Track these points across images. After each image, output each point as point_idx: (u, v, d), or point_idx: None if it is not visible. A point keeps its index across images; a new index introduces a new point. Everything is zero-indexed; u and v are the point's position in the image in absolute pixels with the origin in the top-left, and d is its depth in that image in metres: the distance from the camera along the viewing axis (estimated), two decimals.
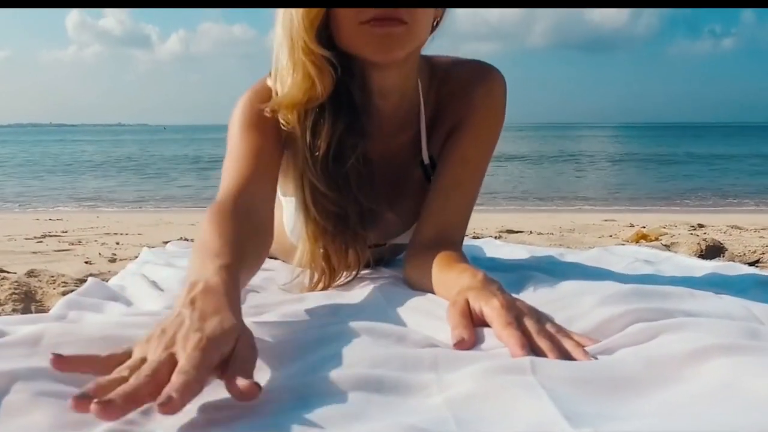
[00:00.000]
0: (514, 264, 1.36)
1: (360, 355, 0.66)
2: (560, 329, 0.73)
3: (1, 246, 2.69)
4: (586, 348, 0.69)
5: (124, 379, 0.52)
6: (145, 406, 0.52)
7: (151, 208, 6.93)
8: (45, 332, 0.68)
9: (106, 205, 7.50)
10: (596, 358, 0.66)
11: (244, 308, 0.76)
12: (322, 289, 1.07)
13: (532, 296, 0.93)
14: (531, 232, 3.10)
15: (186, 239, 2.55)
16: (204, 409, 0.54)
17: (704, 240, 1.92)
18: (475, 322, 0.76)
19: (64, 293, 1.30)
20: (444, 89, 1.10)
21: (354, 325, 0.76)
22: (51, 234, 3.32)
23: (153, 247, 2.04)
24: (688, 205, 7.07)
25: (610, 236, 2.93)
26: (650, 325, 0.72)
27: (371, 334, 0.73)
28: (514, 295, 0.85)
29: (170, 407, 0.48)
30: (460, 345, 0.71)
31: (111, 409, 0.48)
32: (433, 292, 0.97)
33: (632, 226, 3.53)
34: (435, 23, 1.01)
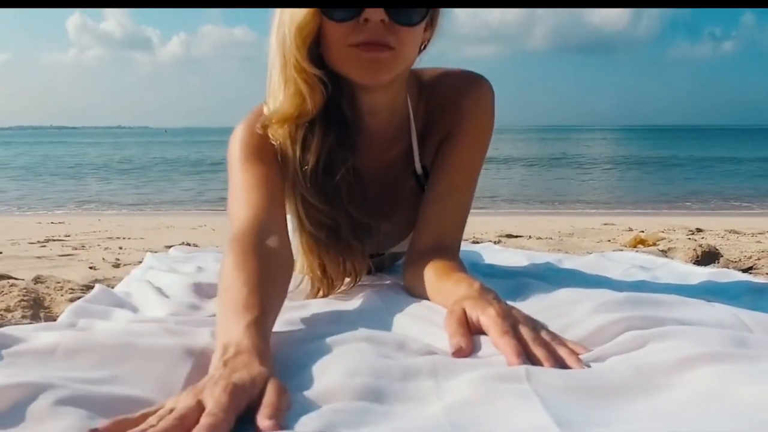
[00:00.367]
0: (512, 271, 1.39)
1: (361, 364, 0.68)
2: (555, 337, 0.75)
3: (6, 250, 2.71)
4: (579, 356, 0.71)
5: (153, 427, 0.54)
6: None
7: (152, 212, 6.96)
8: (60, 342, 0.71)
9: (107, 208, 7.53)
10: (589, 366, 0.69)
11: None
12: (323, 297, 1.09)
13: (528, 304, 0.95)
14: (530, 237, 3.12)
15: (188, 244, 2.58)
16: None
17: (700, 246, 1.94)
18: (471, 331, 0.78)
19: (71, 300, 1.33)
20: (433, 101, 1.12)
21: (355, 333, 0.79)
22: (54, 238, 3.35)
23: (156, 252, 2.07)
24: (688, 208, 7.09)
25: (609, 241, 2.96)
26: (641, 334, 0.74)
27: (372, 343, 0.76)
28: (511, 303, 0.87)
29: None
30: (459, 353, 0.73)
31: None
32: (430, 300, 0.99)
33: (631, 230, 3.56)
34: (423, 46, 1.03)
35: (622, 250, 2.24)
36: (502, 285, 1.15)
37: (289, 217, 1.07)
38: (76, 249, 2.82)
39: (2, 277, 1.59)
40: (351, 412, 0.57)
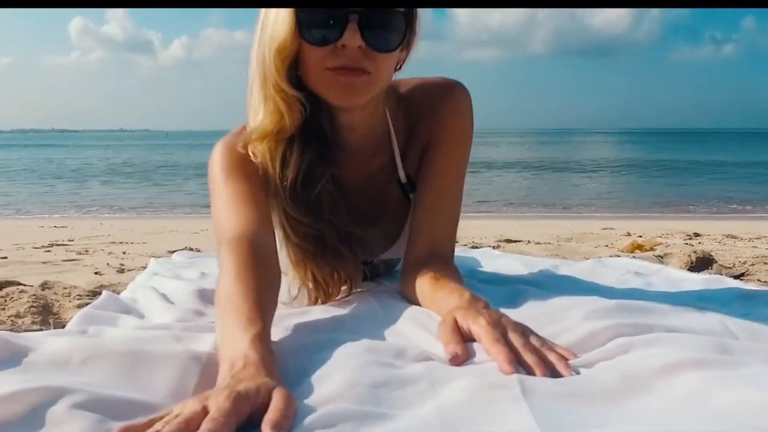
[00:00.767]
0: (508, 278, 1.42)
1: (361, 372, 0.71)
2: (544, 342, 0.78)
3: (11, 255, 2.75)
4: (568, 361, 0.75)
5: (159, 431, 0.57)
6: None
7: (154, 215, 6.99)
8: (73, 349, 0.75)
9: (109, 211, 7.57)
10: (578, 372, 0.72)
11: None
12: (322, 304, 1.12)
13: (522, 310, 0.99)
14: (529, 242, 3.15)
15: (191, 248, 2.61)
16: None
17: (695, 252, 1.98)
18: (464, 339, 0.81)
19: (79, 306, 1.36)
20: (412, 111, 1.14)
21: (355, 341, 0.82)
22: (58, 243, 3.39)
23: (159, 257, 2.11)
24: (687, 212, 7.12)
25: (607, 246, 2.99)
26: (629, 340, 0.78)
27: (371, 350, 0.79)
28: (505, 310, 0.91)
29: None
30: (455, 360, 0.76)
31: None
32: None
33: (629, 235, 3.59)
34: (398, 66, 1.05)
35: (618, 256, 2.28)
36: (498, 291, 1.19)
37: (275, 231, 1.10)
38: (80, 254, 2.86)
39: (11, 283, 1.62)
40: (350, 414, 0.60)
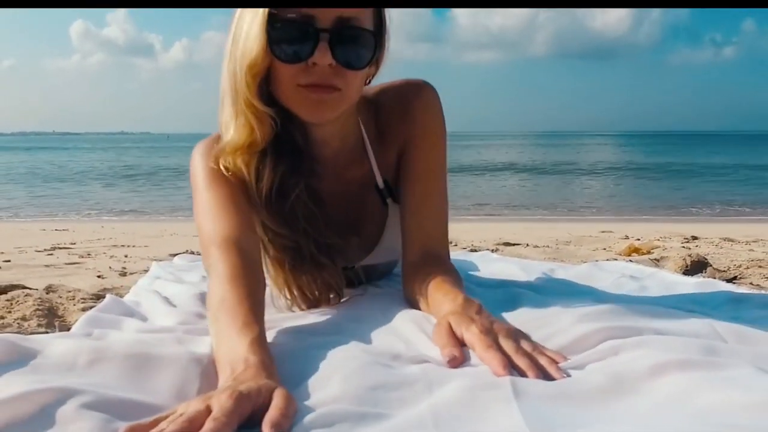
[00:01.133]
0: (503, 282, 1.44)
1: (358, 375, 0.73)
2: (535, 347, 0.81)
3: (14, 258, 2.78)
4: (559, 364, 0.77)
5: (163, 430, 0.60)
6: None
7: (155, 219, 7.02)
8: (79, 351, 0.77)
9: (110, 214, 7.60)
10: (568, 375, 0.74)
11: None
12: (303, 311, 1.13)
13: (516, 314, 1.01)
14: (527, 245, 3.18)
15: (192, 252, 2.64)
16: None
17: (689, 255, 2.00)
18: (459, 343, 0.83)
19: (83, 309, 1.39)
20: (382, 115, 1.15)
21: (353, 344, 0.85)
22: (60, 246, 3.41)
23: (161, 261, 2.13)
24: (686, 214, 7.14)
25: (605, 249, 3.01)
26: (618, 343, 0.80)
27: (368, 353, 0.82)
28: (500, 313, 0.93)
29: None
30: (453, 362, 0.78)
31: None
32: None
33: (627, 238, 3.61)
34: (368, 81, 1.06)
35: (615, 260, 2.30)
36: (494, 294, 1.21)
37: None
38: (82, 257, 2.89)
39: (16, 287, 1.65)
40: (347, 415, 0.63)
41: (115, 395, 0.68)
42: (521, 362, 0.76)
